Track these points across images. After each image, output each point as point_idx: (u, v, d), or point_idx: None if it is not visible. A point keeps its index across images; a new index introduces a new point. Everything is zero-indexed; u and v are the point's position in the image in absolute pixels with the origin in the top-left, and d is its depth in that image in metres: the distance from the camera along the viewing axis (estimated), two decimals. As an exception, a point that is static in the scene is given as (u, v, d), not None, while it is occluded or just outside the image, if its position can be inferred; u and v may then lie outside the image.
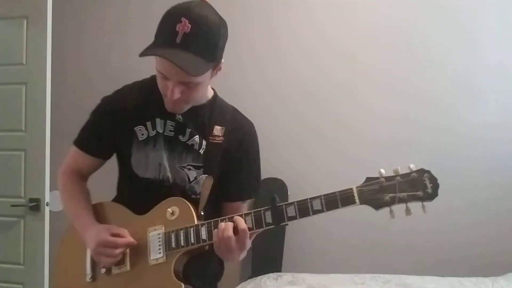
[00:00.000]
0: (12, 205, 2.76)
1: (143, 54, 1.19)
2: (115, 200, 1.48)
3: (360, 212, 3.14)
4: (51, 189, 2.75)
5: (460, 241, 2.85)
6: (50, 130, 2.75)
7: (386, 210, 1.16)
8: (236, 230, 1.21)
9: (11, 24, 2.84)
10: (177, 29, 1.16)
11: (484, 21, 2.92)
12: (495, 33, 2.91)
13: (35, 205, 2.72)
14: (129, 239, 1.31)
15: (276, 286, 2.54)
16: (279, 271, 2.80)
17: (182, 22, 1.15)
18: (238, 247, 1.22)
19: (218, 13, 1.24)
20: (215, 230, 1.22)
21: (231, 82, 3.05)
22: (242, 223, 1.21)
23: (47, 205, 2.71)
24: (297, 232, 2.96)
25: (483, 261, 2.79)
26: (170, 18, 1.19)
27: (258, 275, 2.69)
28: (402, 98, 2.95)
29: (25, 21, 2.80)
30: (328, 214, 2.79)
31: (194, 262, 1.32)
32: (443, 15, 2.94)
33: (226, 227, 1.20)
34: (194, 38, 1.16)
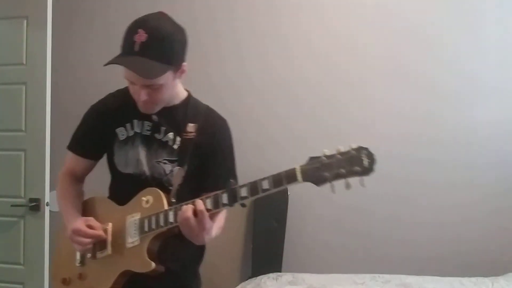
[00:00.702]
0: (12, 205, 2.76)
1: (107, 63, 1.37)
2: (109, 195, 1.65)
3: (360, 212, 3.16)
4: (51, 189, 2.75)
5: (461, 241, 2.86)
6: (50, 130, 2.76)
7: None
8: (196, 212, 1.34)
9: (11, 24, 2.84)
10: (134, 39, 1.34)
11: (487, 18, 2.92)
12: (498, 30, 2.91)
13: (35, 205, 2.72)
14: (98, 232, 1.49)
15: (276, 286, 2.54)
16: (279, 271, 2.80)
17: (138, 33, 1.34)
18: (199, 227, 1.34)
19: (174, 22, 1.43)
20: (179, 212, 1.37)
21: (235, 80, 3.06)
22: (199, 205, 1.33)
23: (47, 205, 2.72)
24: (297, 232, 2.96)
25: (483, 261, 2.79)
26: (130, 31, 1.38)
27: (258, 275, 2.69)
28: (410, 94, 2.93)
29: (25, 21, 2.80)
30: (329, 215, 2.80)
31: (172, 246, 1.47)
32: (446, 11, 2.94)
33: (185, 209, 1.34)
34: (150, 45, 1.33)
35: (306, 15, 3.04)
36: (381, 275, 2.64)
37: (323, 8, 3.03)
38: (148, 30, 1.34)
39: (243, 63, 3.06)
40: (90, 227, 1.49)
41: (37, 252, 2.72)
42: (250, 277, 2.75)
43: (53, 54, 2.79)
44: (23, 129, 2.80)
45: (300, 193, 2.89)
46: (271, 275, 2.66)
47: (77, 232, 1.48)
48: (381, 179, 2.86)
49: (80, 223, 1.50)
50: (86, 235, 1.47)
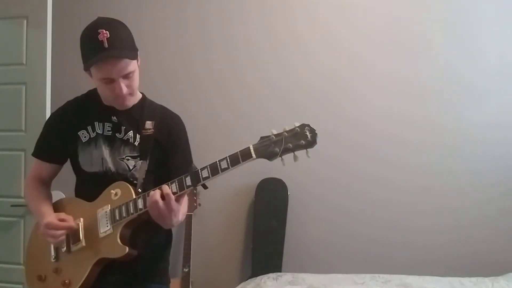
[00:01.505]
0: (12, 205, 2.77)
1: (90, 64, 1.50)
2: (76, 195, 1.74)
3: (360, 213, 3.16)
4: (51, 189, 2.75)
5: (460, 241, 2.86)
6: (50, 130, 2.75)
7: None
8: (163, 195, 1.46)
9: (11, 24, 2.84)
10: (100, 38, 1.46)
11: (485, 21, 2.92)
12: (495, 33, 2.91)
13: (35, 205, 2.72)
14: (70, 223, 1.58)
15: (276, 286, 2.54)
16: (279, 271, 2.80)
17: (100, 33, 1.47)
18: (167, 210, 1.47)
19: (116, 19, 1.58)
20: (148, 198, 1.49)
21: (227, 80, 3.07)
22: (166, 189, 1.47)
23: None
24: (297, 232, 2.96)
25: (483, 261, 2.80)
26: (89, 36, 1.50)
27: (258, 275, 2.69)
28: (403, 98, 2.95)
29: (25, 21, 2.80)
30: (328, 215, 2.80)
31: (142, 233, 1.59)
32: (444, 16, 2.94)
33: (153, 193, 1.46)
34: (116, 38, 1.49)
35: (299, 16, 3.04)
36: (381, 275, 2.63)
37: (315, 9, 3.04)
38: (106, 28, 1.48)
39: (237, 63, 3.07)
40: (61, 220, 1.58)
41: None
42: (250, 277, 2.75)
43: (53, 54, 2.79)
44: (23, 129, 2.80)
45: (300, 193, 2.89)
46: (271, 275, 2.66)
47: (50, 226, 1.56)
48: (381, 183, 2.90)
49: (52, 217, 1.59)
50: (58, 227, 1.56)
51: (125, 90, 1.53)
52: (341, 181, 2.92)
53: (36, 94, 2.77)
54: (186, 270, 2.77)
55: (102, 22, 1.51)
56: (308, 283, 2.54)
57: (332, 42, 3.01)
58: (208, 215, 3.00)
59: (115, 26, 1.53)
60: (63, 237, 1.58)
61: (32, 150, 2.57)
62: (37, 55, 2.77)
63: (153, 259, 1.68)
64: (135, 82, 1.58)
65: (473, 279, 2.59)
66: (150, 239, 1.64)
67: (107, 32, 1.47)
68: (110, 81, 1.52)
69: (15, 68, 2.82)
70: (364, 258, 2.92)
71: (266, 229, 2.90)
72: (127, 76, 1.53)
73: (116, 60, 1.48)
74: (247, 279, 2.74)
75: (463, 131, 2.90)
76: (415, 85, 2.94)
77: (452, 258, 2.84)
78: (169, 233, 1.75)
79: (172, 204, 1.46)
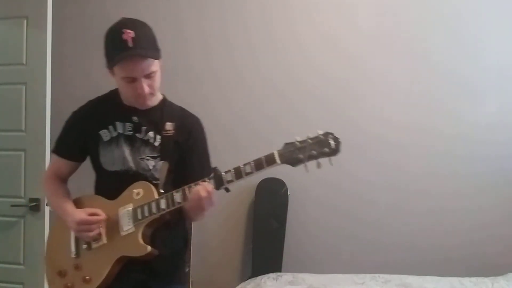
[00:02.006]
0: (12, 205, 2.76)
1: (114, 63, 1.52)
2: (95, 193, 1.75)
3: (360, 213, 3.16)
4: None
5: (460, 241, 2.86)
6: (50, 130, 2.75)
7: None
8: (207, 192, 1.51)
9: (11, 24, 2.84)
10: (124, 38, 1.49)
11: (484, 22, 2.93)
12: (494, 34, 2.91)
13: (35, 205, 2.72)
14: (102, 215, 1.61)
15: (276, 286, 2.54)
16: (279, 271, 2.80)
17: (125, 32, 1.49)
18: (209, 204, 1.53)
19: (141, 20, 1.59)
20: (190, 194, 1.51)
21: (227, 80, 3.06)
22: (210, 186, 1.51)
23: (47, 205, 2.71)
24: (297, 232, 2.96)
25: (483, 261, 2.80)
26: (113, 35, 1.53)
27: (258, 275, 2.69)
28: (401, 99, 2.95)
29: (25, 21, 2.79)
30: (328, 215, 2.80)
31: (160, 234, 1.61)
32: (443, 17, 2.94)
33: (198, 190, 1.49)
34: (141, 38, 1.51)
35: (299, 17, 3.04)
36: (381, 275, 2.64)
37: (314, 9, 3.04)
38: (131, 28, 1.51)
39: (237, 63, 3.07)
40: (92, 214, 1.61)
41: (37, 252, 2.72)
42: (250, 277, 2.76)
43: (53, 54, 2.79)
44: (23, 129, 2.80)
45: (300, 193, 2.89)
46: (271, 275, 2.66)
47: (83, 222, 1.59)
48: (381, 183, 2.90)
49: (82, 214, 1.61)
50: (92, 222, 1.59)
51: (146, 89, 1.55)
52: (341, 182, 2.91)
53: (36, 94, 2.76)
54: (186, 270, 2.76)
55: (127, 22, 1.54)
56: (308, 283, 2.54)
57: (332, 43, 3.01)
58: (208, 215, 2.99)
59: (139, 26, 1.55)
60: (98, 230, 1.60)
61: (32, 150, 2.57)
62: (37, 55, 2.76)
63: (172, 259, 1.71)
64: (157, 82, 1.60)
65: (473, 279, 2.59)
66: (169, 239, 1.66)
67: (132, 31, 1.49)
68: (132, 80, 1.55)
69: (15, 68, 2.82)
70: (364, 258, 2.92)
71: (266, 229, 2.90)
72: (149, 76, 1.55)
73: (139, 59, 1.51)
74: (247, 279, 2.74)
75: (463, 132, 2.90)
76: (414, 86, 2.94)
77: (452, 258, 2.84)
78: (185, 234, 1.79)
79: (213, 200, 1.52)
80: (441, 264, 2.84)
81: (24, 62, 2.80)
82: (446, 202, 2.90)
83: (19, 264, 2.79)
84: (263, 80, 3.05)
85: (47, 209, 2.72)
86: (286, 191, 2.89)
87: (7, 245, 2.81)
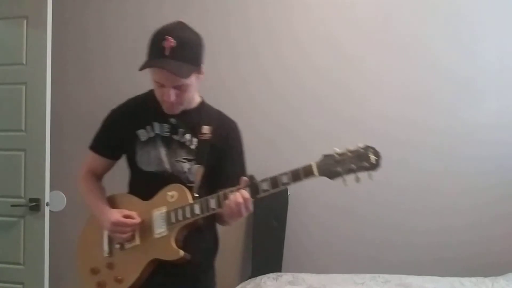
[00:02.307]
0: (12, 205, 2.76)
1: (142, 68, 1.49)
2: (128, 192, 1.76)
3: (360, 213, 3.16)
4: (51, 189, 2.75)
5: (460, 241, 2.86)
6: (50, 130, 2.76)
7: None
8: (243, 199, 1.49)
9: (11, 24, 2.84)
10: (164, 45, 1.48)
11: (484, 22, 2.92)
12: (494, 34, 2.91)
13: (35, 205, 2.72)
14: (137, 219, 1.61)
15: (276, 286, 2.54)
16: (279, 271, 2.80)
17: (167, 39, 1.48)
18: (246, 210, 1.51)
19: (193, 30, 1.58)
20: (226, 200, 1.50)
21: (227, 81, 3.06)
22: (246, 194, 1.49)
23: (47, 205, 2.71)
24: (297, 232, 2.96)
25: (483, 261, 2.79)
26: (157, 38, 1.52)
27: (258, 275, 2.69)
28: (401, 98, 2.95)
29: (25, 21, 2.79)
30: (328, 215, 2.80)
31: (192, 239, 1.61)
32: (442, 16, 2.94)
33: (237, 196, 1.48)
34: (180, 50, 1.49)
35: (297, 17, 3.04)
36: (381, 275, 2.63)
37: (313, 9, 3.04)
38: (175, 37, 1.49)
39: (237, 63, 3.07)
40: (127, 216, 1.61)
41: (37, 252, 2.72)
42: (250, 277, 2.75)
43: (53, 54, 2.79)
44: (23, 129, 2.80)
45: (300, 193, 2.88)
46: (271, 275, 2.66)
47: (118, 224, 1.60)
48: (381, 183, 2.88)
49: (118, 215, 1.62)
50: (127, 225, 1.60)
51: (172, 98, 1.54)
52: (339, 182, 2.91)
53: (36, 94, 2.76)
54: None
55: (174, 29, 1.53)
56: (308, 283, 2.54)
57: (331, 42, 3.01)
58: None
59: (186, 37, 1.53)
60: (132, 233, 1.62)
61: (32, 150, 2.57)
62: (37, 55, 2.76)
63: (202, 264, 1.70)
64: (187, 94, 1.58)
65: (473, 279, 2.59)
66: (200, 244, 1.66)
67: (174, 41, 1.48)
68: (162, 85, 1.55)
69: (15, 68, 2.82)
70: (364, 258, 2.91)
71: (266, 229, 2.90)
72: (178, 88, 1.54)
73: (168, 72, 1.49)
74: (247, 279, 2.74)
75: (464, 131, 2.90)
76: (414, 85, 2.94)
77: (452, 258, 2.84)
78: (216, 240, 1.79)
79: (250, 206, 1.51)
80: (441, 264, 2.84)
81: (24, 62, 2.80)
82: (446, 202, 2.90)
83: (19, 264, 2.79)
84: (264, 80, 3.05)
85: (47, 209, 2.72)
86: (286, 191, 2.89)
87: (7, 245, 2.81)
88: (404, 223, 2.91)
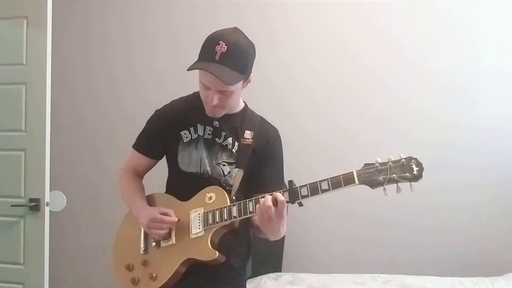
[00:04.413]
0: (12, 205, 2.76)
1: (190, 68, 1.51)
2: (166, 191, 1.79)
3: (360, 213, 3.16)
4: (51, 189, 2.75)
5: (460, 241, 2.86)
6: (50, 130, 2.75)
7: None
8: (275, 202, 1.48)
9: (11, 24, 2.84)
10: (216, 49, 1.49)
11: (482, 27, 2.93)
12: (492, 38, 2.93)
13: (35, 205, 2.72)
14: (174, 217, 1.63)
15: (276, 286, 2.54)
16: (279, 271, 2.80)
17: (220, 44, 1.49)
18: (278, 217, 1.48)
19: (247, 37, 1.57)
20: (257, 205, 1.50)
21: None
22: (280, 196, 1.49)
23: (47, 205, 2.71)
24: (297, 232, 2.96)
25: (483, 261, 2.80)
26: (210, 41, 1.52)
27: (258, 275, 2.69)
28: (401, 101, 2.96)
29: (25, 21, 2.79)
30: (328, 215, 2.81)
31: (227, 241, 1.62)
32: (443, 21, 2.95)
33: (266, 198, 1.48)
34: (229, 56, 1.49)
35: (299, 19, 3.04)
36: (381, 275, 2.64)
37: (315, 10, 3.04)
38: (228, 43, 1.50)
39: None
40: (164, 214, 1.63)
41: (37, 252, 2.72)
42: (250, 277, 2.75)
43: (53, 54, 2.79)
44: (23, 129, 2.80)
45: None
46: (271, 275, 2.66)
47: (156, 220, 1.62)
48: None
49: (155, 212, 1.64)
50: (164, 221, 1.62)
51: (215, 102, 1.56)
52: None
53: (36, 94, 2.76)
54: (245, 279, 2.76)
55: (229, 35, 1.54)
56: (308, 283, 2.54)
57: (334, 44, 3.02)
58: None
59: (237, 45, 1.53)
60: (168, 230, 1.64)
61: (32, 150, 2.57)
62: (37, 55, 2.76)
63: (235, 268, 1.71)
64: (231, 100, 1.60)
65: (473, 279, 2.59)
66: (234, 248, 1.67)
67: (226, 47, 1.49)
68: (207, 88, 1.56)
69: (15, 68, 2.82)
70: (364, 258, 2.92)
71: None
72: (223, 93, 1.55)
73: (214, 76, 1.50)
74: (247, 279, 2.73)
75: (464, 131, 2.90)
76: (414, 87, 2.95)
77: (452, 258, 2.84)
78: (249, 245, 1.79)
79: (284, 212, 1.50)
80: (441, 264, 2.84)
81: (24, 62, 2.80)
82: (446, 202, 2.90)
83: (19, 264, 2.78)
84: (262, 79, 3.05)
85: (47, 209, 2.72)
86: (286, 191, 2.89)
87: (7, 245, 2.81)
88: (404, 223, 2.92)
